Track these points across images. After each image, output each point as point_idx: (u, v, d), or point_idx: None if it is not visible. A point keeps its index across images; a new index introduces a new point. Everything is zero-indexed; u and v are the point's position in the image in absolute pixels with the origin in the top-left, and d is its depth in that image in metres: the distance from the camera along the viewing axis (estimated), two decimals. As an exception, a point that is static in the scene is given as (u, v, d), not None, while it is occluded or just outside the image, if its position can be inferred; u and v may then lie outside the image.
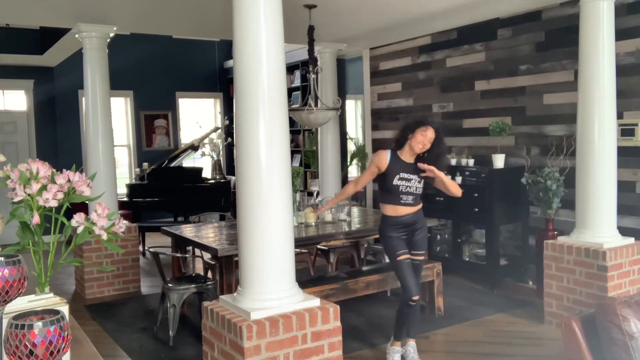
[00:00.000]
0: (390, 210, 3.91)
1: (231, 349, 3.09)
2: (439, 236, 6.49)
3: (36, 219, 1.64)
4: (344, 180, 8.31)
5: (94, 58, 5.89)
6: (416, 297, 3.86)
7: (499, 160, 5.78)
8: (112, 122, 6.10)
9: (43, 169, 1.67)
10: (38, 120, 9.10)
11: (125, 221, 2.34)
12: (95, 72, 5.90)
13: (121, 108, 9.88)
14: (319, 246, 5.75)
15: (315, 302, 3.25)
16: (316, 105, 5.48)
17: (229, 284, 4.47)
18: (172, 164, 8.95)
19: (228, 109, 10.46)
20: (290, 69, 8.86)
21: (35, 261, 1.69)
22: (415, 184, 3.86)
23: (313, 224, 5.26)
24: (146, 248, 7.70)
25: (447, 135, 6.51)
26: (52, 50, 7.90)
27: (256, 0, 3.06)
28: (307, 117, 5.44)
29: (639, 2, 4.85)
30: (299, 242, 4.48)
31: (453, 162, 6.18)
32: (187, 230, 5.19)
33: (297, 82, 9.07)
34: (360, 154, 8.05)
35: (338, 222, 5.42)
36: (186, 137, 10.40)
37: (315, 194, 6.19)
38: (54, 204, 1.65)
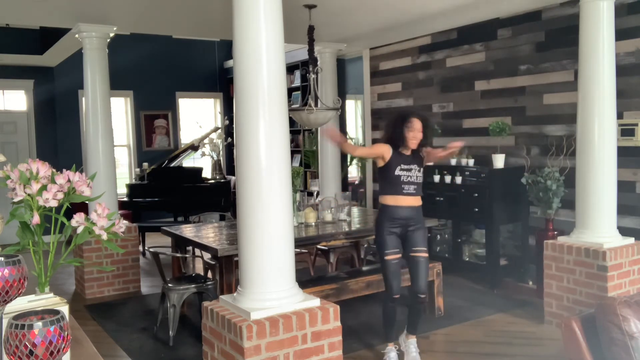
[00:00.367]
0: (391, 200, 3.95)
1: (231, 349, 3.09)
2: (439, 236, 6.49)
3: (36, 219, 1.64)
4: (344, 180, 8.31)
5: (94, 58, 5.89)
6: (396, 296, 3.93)
7: (499, 160, 5.78)
8: (112, 122, 6.10)
9: (43, 169, 1.67)
10: (38, 120, 9.10)
11: (125, 221, 2.34)
12: (95, 72, 5.90)
13: (121, 108, 9.88)
14: (319, 246, 5.75)
15: (315, 302, 3.25)
16: (316, 105, 5.48)
17: (229, 284, 4.47)
18: (172, 164, 8.96)
19: (228, 109, 10.46)
20: (290, 69, 8.86)
21: (35, 261, 1.69)
22: (415, 173, 3.95)
23: (313, 223, 5.26)
24: (146, 248, 7.70)
25: (447, 135, 6.54)
26: (52, 50, 7.90)
27: (256, 0, 3.06)
28: (307, 117, 5.44)
29: (639, 2, 4.85)
30: (299, 242, 4.48)
31: (453, 162, 6.19)
32: (187, 230, 5.19)
33: (297, 82, 9.07)
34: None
35: (338, 222, 5.42)
36: (186, 137, 10.40)
37: (315, 194, 6.19)
38: (54, 204, 1.65)
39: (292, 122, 6.15)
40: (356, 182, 8.77)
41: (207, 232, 5.12)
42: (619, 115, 4.75)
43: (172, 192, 8.14)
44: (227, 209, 8.03)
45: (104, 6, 5.23)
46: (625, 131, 4.89)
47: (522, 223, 5.87)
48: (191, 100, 10.67)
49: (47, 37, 7.86)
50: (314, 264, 6.02)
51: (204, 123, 10.06)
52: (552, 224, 5.34)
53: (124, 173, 9.83)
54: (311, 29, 5.44)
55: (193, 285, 4.64)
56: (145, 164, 9.09)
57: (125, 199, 8.12)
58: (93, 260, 5.78)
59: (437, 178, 6.12)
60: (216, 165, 9.15)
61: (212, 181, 8.65)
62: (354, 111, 9.06)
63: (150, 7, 5.33)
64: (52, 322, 1.30)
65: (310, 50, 5.52)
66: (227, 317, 3.12)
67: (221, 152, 9.51)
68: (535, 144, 5.76)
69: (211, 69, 10.60)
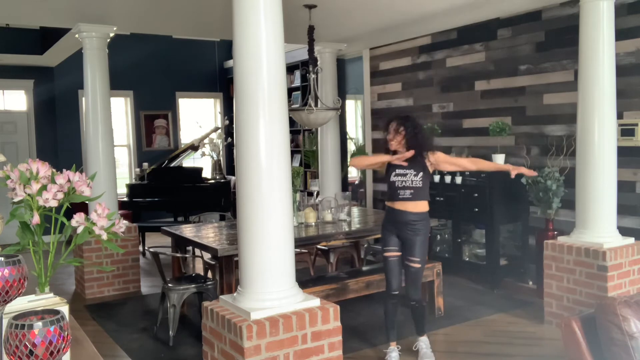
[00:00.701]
0: (389, 204, 4.08)
1: (231, 349, 3.09)
2: (439, 236, 6.49)
3: (36, 219, 1.64)
4: (344, 180, 8.31)
5: (94, 58, 5.89)
6: (395, 292, 4.06)
7: (499, 160, 5.77)
8: (112, 122, 6.10)
9: (43, 169, 1.67)
10: (38, 120, 9.10)
11: (125, 221, 2.34)
12: (95, 72, 5.90)
13: (121, 108, 9.87)
14: (319, 246, 5.75)
15: (315, 302, 3.25)
16: (316, 105, 5.48)
17: (229, 284, 4.47)
18: (172, 164, 8.95)
19: (228, 109, 10.46)
20: (290, 69, 8.86)
21: (35, 261, 1.69)
22: (411, 178, 3.95)
23: (313, 223, 5.26)
24: (146, 248, 7.70)
25: (447, 135, 6.54)
26: (52, 50, 7.90)
27: (256, 0, 3.06)
28: (307, 117, 5.44)
29: (639, 2, 4.85)
30: (299, 242, 4.48)
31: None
32: (187, 230, 5.19)
33: (297, 82, 9.07)
34: (360, 154, 8.05)
35: (338, 222, 5.42)
36: (186, 137, 10.40)
37: (315, 194, 6.19)
38: (54, 204, 1.65)
39: (292, 122, 6.15)
40: (356, 182, 8.77)
41: (207, 232, 5.12)
42: (619, 115, 4.75)
43: (172, 192, 8.14)
44: (227, 209, 8.03)
45: (104, 6, 5.23)
46: (625, 131, 4.89)
47: (522, 223, 5.87)
48: (191, 100, 10.67)
49: (47, 37, 7.86)
50: (314, 264, 6.02)
51: (204, 123, 10.06)
52: (552, 224, 5.34)
53: (124, 173, 9.83)
54: (311, 29, 5.44)
55: (193, 285, 4.64)
56: (145, 164, 9.09)
57: (125, 199, 8.11)
58: (93, 260, 5.78)
59: (437, 178, 6.12)
60: (216, 165, 9.15)
61: (212, 181, 8.65)
62: (354, 111, 9.06)
63: (150, 7, 5.33)
64: (52, 322, 1.31)
65: (310, 50, 5.52)
66: (227, 317, 3.12)
67: (221, 152, 9.50)
68: (535, 144, 5.76)
69: (211, 69, 10.60)
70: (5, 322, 1.41)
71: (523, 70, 5.82)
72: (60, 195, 1.66)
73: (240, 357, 2.99)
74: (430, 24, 6.30)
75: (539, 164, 5.56)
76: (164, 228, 5.37)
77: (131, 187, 8.28)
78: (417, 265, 4.01)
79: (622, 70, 4.76)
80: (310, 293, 3.51)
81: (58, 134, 9.24)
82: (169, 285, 4.62)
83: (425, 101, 6.97)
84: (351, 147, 8.73)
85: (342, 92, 8.16)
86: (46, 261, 1.70)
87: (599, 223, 4.46)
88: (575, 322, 2.43)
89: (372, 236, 5.72)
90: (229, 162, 10.53)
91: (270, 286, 3.14)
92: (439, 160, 4.03)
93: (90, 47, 5.88)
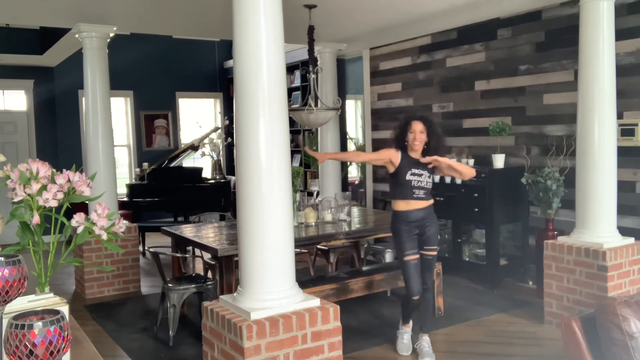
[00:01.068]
0: (402, 205, 4.05)
1: (231, 349, 3.09)
2: (439, 236, 6.47)
3: (36, 219, 1.64)
4: (344, 180, 8.31)
5: (94, 58, 5.89)
6: (416, 297, 4.06)
7: (499, 160, 5.78)
8: (112, 122, 6.10)
9: (43, 169, 1.67)
10: (38, 120, 9.10)
11: (125, 221, 2.34)
12: (95, 72, 5.90)
13: (121, 108, 9.87)
14: (319, 246, 5.75)
15: (315, 302, 3.25)
16: (316, 105, 5.48)
17: (229, 284, 4.46)
18: (172, 164, 8.96)
19: (228, 109, 10.46)
20: (290, 69, 8.86)
21: (35, 261, 1.69)
22: (425, 179, 4.04)
23: (313, 223, 5.26)
24: (146, 248, 7.70)
25: (447, 135, 6.53)
26: (52, 50, 7.90)
27: (256, 0, 3.06)
28: (307, 117, 5.44)
29: (639, 2, 4.85)
30: (299, 242, 4.48)
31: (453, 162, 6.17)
32: (187, 230, 5.19)
33: (297, 82, 9.07)
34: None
35: (338, 222, 5.42)
36: (186, 137, 10.40)
37: (315, 194, 6.19)
38: (54, 204, 1.65)
39: (292, 122, 6.15)
40: (356, 182, 8.77)
41: (207, 232, 5.12)
42: (619, 115, 4.75)
43: (172, 192, 8.14)
44: (227, 209, 8.03)
45: (104, 6, 5.23)
46: (625, 131, 4.89)
47: (522, 223, 5.87)
48: (191, 100, 10.67)
49: (47, 37, 7.86)
50: (314, 264, 6.02)
51: (204, 123, 10.06)
52: (552, 224, 5.34)
53: (124, 173, 9.83)
54: (311, 29, 5.44)
55: (193, 285, 4.64)
56: (145, 164, 9.09)
57: (125, 199, 8.12)
58: (93, 260, 5.78)
59: (437, 178, 6.11)
60: (216, 165, 9.15)
61: (212, 181, 8.65)
62: (354, 111, 9.05)
63: (150, 7, 5.33)
64: (52, 322, 1.31)
65: (310, 50, 5.52)
66: (227, 317, 3.12)
67: (221, 152, 9.50)
68: (535, 144, 5.76)
69: (211, 69, 10.60)
70: (5, 322, 1.41)
71: (523, 70, 5.82)
72: (60, 195, 1.66)
73: (240, 357, 2.99)
74: (430, 24, 6.30)
75: (539, 164, 5.56)
76: (164, 228, 5.37)
77: (131, 187, 8.28)
78: (434, 253, 4.13)
79: (622, 70, 4.76)
80: (310, 293, 3.51)
81: (58, 134, 9.24)
82: (169, 285, 4.62)
83: (425, 101, 6.97)
84: (351, 147, 8.73)
85: (342, 92, 8.16)
86: (46, 261, 1.70)
87: (599, 223, 4.46)
88: (575, 322, 2.43)
89: (372, 236, 5.72)
90: (229, 162, 10.53)
91: (270, 286, 3.14)
92: (442, 163, 4.04)
93: (90, 47, 5.88)
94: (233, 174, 8.26)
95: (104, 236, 1.72)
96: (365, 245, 6.42)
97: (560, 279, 4.62)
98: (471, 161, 6.07)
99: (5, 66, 8.57)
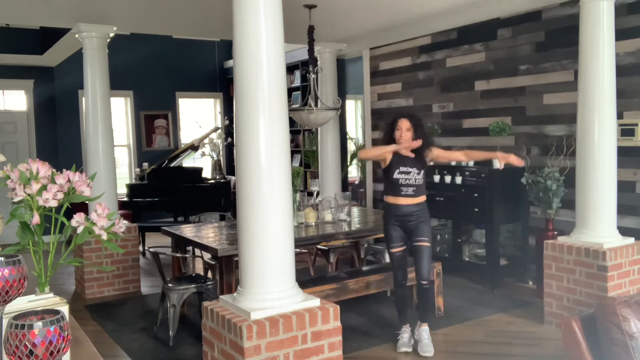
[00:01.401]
0: (391, 200, 4.24)
1: (231, 349, 3.09)
2: (439, 236, 6.49)
3: (36, 219, 1.64)
4: (344, 180, 8.31)
5: (94, 58, 5.89)
6: (403, 282, 4.29)
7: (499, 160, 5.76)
8: (112, 122, 6.10)
9: (43, 169, 1.67)
10: (38, 120, 9.10)
11: (125, 221, 2.34)
12: (95, 72, 5.90)
13: (121, 108, 9.87)
14: (319, 246, 5.75)
15: (315, 302, 3.25)
16: (316, 105, 5.48)
17: (229, 284, 4.47)
18: (172, 164, 8.95)
19: (228, 109, 10.46)
20: (290, 69, 8.86)
21: (35, 261, 1.69)
22: (414, 176, 4.15)
23: (313, 223, 5.26)
24: (146, 248, 7.70)
25: (447, 135, 6.55)
26: (52, 50, 7.90)
27: (256, 0, 3.06)
28: (307, 117, 5.44)
29: (639, 2, 4.85)
30: (299, 242, 4.48)
31: (453, 162, 6.18)
32: (187, 230, 5.19)
33: (297, 82, 9.07)
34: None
35: (338, 222, 5.42)
36: (186, 137, 10.40)
37: (315, 194, 6.19)
38: (54, 204, 1.65)
39: (292, 122, 6.15)
40: (356, 182, 8.77)
41: (207, 232, 5.12)
42: (619, 115, 4.75)
43: (172, 192, 8.14)
44: (227, 209, 8.03)
45: (104, 6, 5.23)
46: (625, 131, 4.89)
47: (522, 223, 5.87)
48: (191, 100, 10.67)
49: (47, 37, 7.86)
50: (314, 264, 6.02)
51: (204, 123, 10.06)
52: (552, 224, 5.34)
53: (124, 173, 9.82)
54: (311, 29, 5.44)
55: (193, 285, 4.64)
56: (145, 164, 9.09)
57: (125, 199, 8.11)
58: (93, 260, 5.78)
59: (437, 178, 6.12)
60: (216, 165, 9.15)
61: (212, 181, 8.65)
62: (354, 111, 9.06)
63: (150, 7, 5.33)
64: (52, 322, 1.31)
65: (310, 50, 5.52)
66: (227, 317, 3.12)
67: (221, 152, 9.50)
68: (535, 144, 5.76)
69: (211, 69, 10.60)
70: (5, 322, 1.41)
71: (523, 70, 5.82)
72: (60, 195, 1.66)
73: (240, 357, 2.99)
74: (430, 24, 6.30)
75: (539, 164, 5.56)
76: (164, 228, 5.37)
77: (131, 187, 8.28)
78: (427, 244, 4.23)
79: (622, 70, 4.76)
80: (310, 293, 3.51)
81: (58, 134, 9.24)
82: (169, 285, 4.62)
83: (425, 101, 6.97)
84: (351, 147, 8.73)
85: (342, 92, 8.16)
86: (46, 261, 1.70)
87: (599, 223, 4.46)
88: (575, 322, 2.43)
89: (372, 236, 5.72)
90: (229, 162, 10.52)
91: (270, 286, 3.14)
92: (435, 156, 4.25)
93: (90, 47, 5.88)
94: (233, 174, 8.25)
95: (104, 236, 1.72)
96: (365, 245, 6.42)
97: (560, 279, 4.62)
98: (471, 161, 6.06)
99: (5, 66, 8.57)
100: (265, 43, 3.08)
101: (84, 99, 7.18)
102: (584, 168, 4.46)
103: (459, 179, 5.95)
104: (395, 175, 4.14)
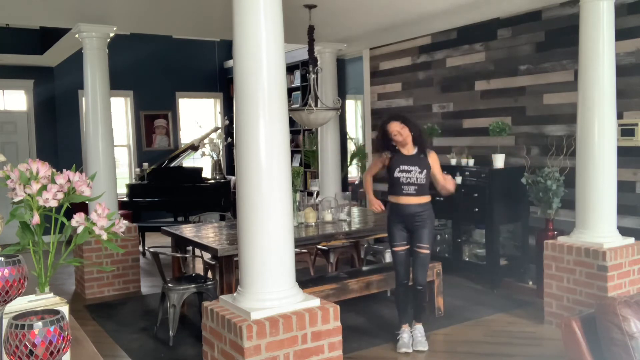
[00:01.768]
0: (394, 199, 4.25)
1: (231, 349, 3.09)
2: (439, 236, 6.49)
3: (36, 219, 1.64)
4: (344, 180, 8.31)
5: (94, 58, 5.89)
6: (405, 281, 4.28)
7: (499, 160, 5.77)
8: (112, 122, 6.10)
9: (43, 169, 1.67)
10: (38, 120, 9.10)
11: (125, 221, 2.34)
12: (95, 72, 5.90)
13: (121, 108, 9.87)
14: (319, 246, 5.75)
15: (315, 302, 3.25)
16: (316, 105, 5.48)
17: (229, 284, 4.47)
18: (172, 164, 8.95)
19: (228, 109, 10.46)
20: (290, 69, 8.86)
21: (35, 261, 1.69)
22: (415, 175, 4.15)
23: (313, 223, 5.26)
24: (146, 248, 7.70)
25: (447, 135, 6.55)
26: (52, 50, 7.90)
27: (256, 0, 3.06)
28: (307, 117, 5.44)
29: (639, 2, 4.85)
30: (299, 242, 4.48)
31: (453, 162, 6.19)
32: (187, 230, 5.19)
33: (297, 82, 9.07)
34: (360, 154, 8.06)
35: (338, 222, 5.42)
36: (186, 137, 10.40)
37: (315, 194, 6.19)
38: (54, 204, 1.65)
39: (292, 122, 6.15)
40: (356, 182, 8.77)
41: (207, 232, 5.12)
42: (619, 115, 4.75)
43: (172, 192, 8.14)
44: (227, 209, 8.03)
45: (104, 6, 5.23)
46: (625, 131, 4.89)
47: (522, 223, 5.87)
48: (191, 100, 10.67)
49: (47, 37, 7.86)
50: (314, 264, 6.02)
51: (204, 123, 10.06)
52: (552, 224, 5.34)
53: (124, 173, 9.82)
54: (311, 29, 5.44)
55: (193, 285, 4.64)
56: (145, 164, 9.09)
57: (125, 199, 8.11)
58: (93, 260, 5.78)
59: (437, 178, 6.12)
60: (216, 165, 9.15)
61: (212, 181, 8.65)
62: (354, 111, 9.05)
63: (150, 7, 5.33)
64: (52, 322, 1.31)
65: (310, 50, 5.52)
66: (227, 317, 3.12)
67: (221, 152, 9.50)
68: (535, 144, 5.76)
69: (211, 69, 10.60)
70: (5, 322, 1.41)
71: (523, 70, 5.82)
72: (60, 195, 1.66)
73: (240, 357, 2.99)
74: (430, 24, 6.30)
75: (539, 164, 5.56)
76: (164, 228, 5.37)
77: (131, 187, 8.28)
78: (426, 252, 4.24)
79: (622, 70, 4.76)
80: (310, 293, 3.51)
81: (58, 134, 9.24)
82: (169, 285, 4.62)
83: (425, 101, 6.97)
84: (351, 147, 8.73)
85: (342, 92, 8.16)
86: (46, 261, 1.70)
87: (599, 223, 4.46)
88: (575, 322, 2.43)
89: (372, 236, 5.72)
90: (229, 162, 10.52)
91: (270, 286, 3.14)
92: (432, 161, 4.25)
93: (90, 47, 5.88)
94: (233, 174, 8.25)
95: (104, 236, 1.72)
96: (365, 245, 6.42)
97: (560, 279, 4.62)
98: (471, 161, 6.07)
99: (5, 66, 8.57)
100: (265, 43, 3.08)
101: (84, 99, 7.18)
102: (584, 168, 4.46)
103: (458, 179, 5.94)
104: (396, 174, 4.15)
